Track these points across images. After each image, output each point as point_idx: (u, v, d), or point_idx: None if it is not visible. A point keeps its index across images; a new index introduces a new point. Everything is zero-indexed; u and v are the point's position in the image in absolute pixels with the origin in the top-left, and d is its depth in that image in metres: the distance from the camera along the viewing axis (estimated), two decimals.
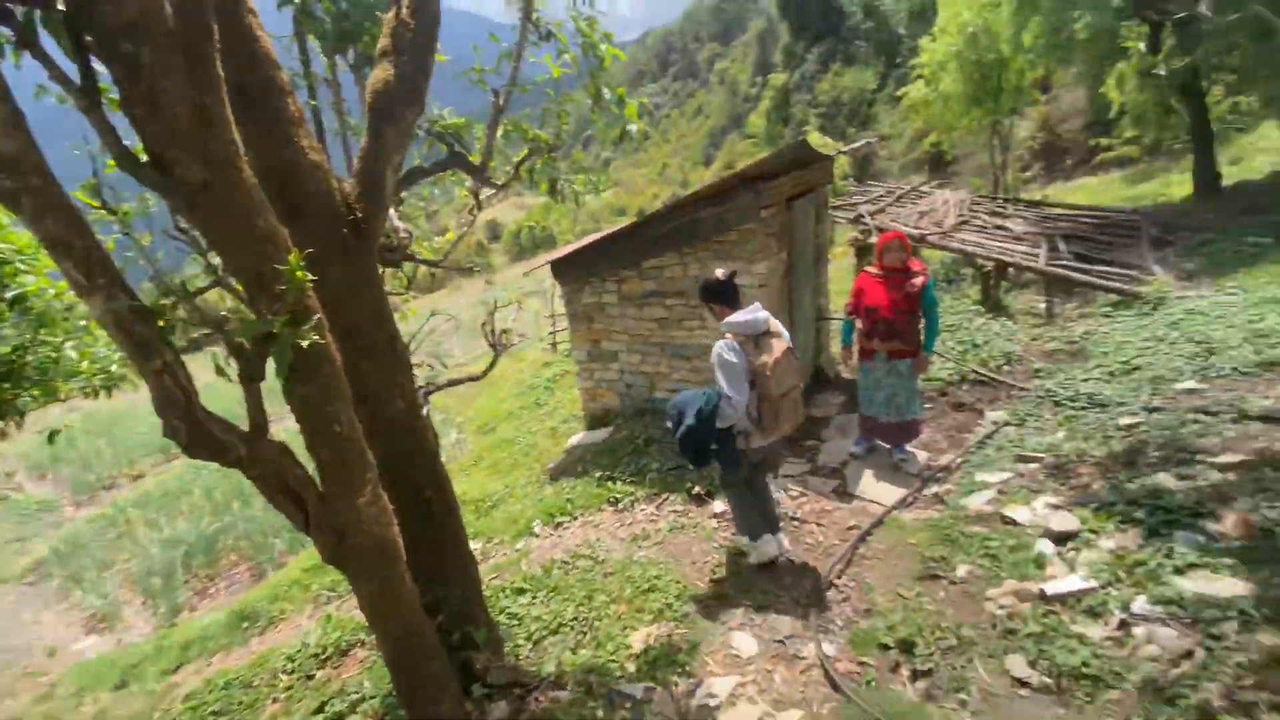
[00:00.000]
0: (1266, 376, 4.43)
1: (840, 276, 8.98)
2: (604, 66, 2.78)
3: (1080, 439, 4.42)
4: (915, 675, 2.64)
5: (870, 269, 4.55)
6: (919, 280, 4.33)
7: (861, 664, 2.79)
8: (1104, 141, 17.44)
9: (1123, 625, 2.49)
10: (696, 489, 4.74)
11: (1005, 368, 6.28)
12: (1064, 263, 7.83)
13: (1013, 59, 12.12)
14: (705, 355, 5.58)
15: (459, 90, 2.86)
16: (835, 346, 7.55)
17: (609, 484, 5.18)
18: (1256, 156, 12.47)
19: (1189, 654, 2.26)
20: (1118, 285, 6.98)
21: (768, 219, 4.88)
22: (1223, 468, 3.45)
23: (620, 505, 4.92)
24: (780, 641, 3.05)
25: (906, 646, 2.76)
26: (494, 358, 3.61)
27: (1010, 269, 8.09)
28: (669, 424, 3.27)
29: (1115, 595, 2.65)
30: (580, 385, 6.71)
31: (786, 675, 2.83)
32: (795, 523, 4.20)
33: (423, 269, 3.70)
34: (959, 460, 4.66)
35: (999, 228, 9.45)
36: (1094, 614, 2.62)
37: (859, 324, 4.60)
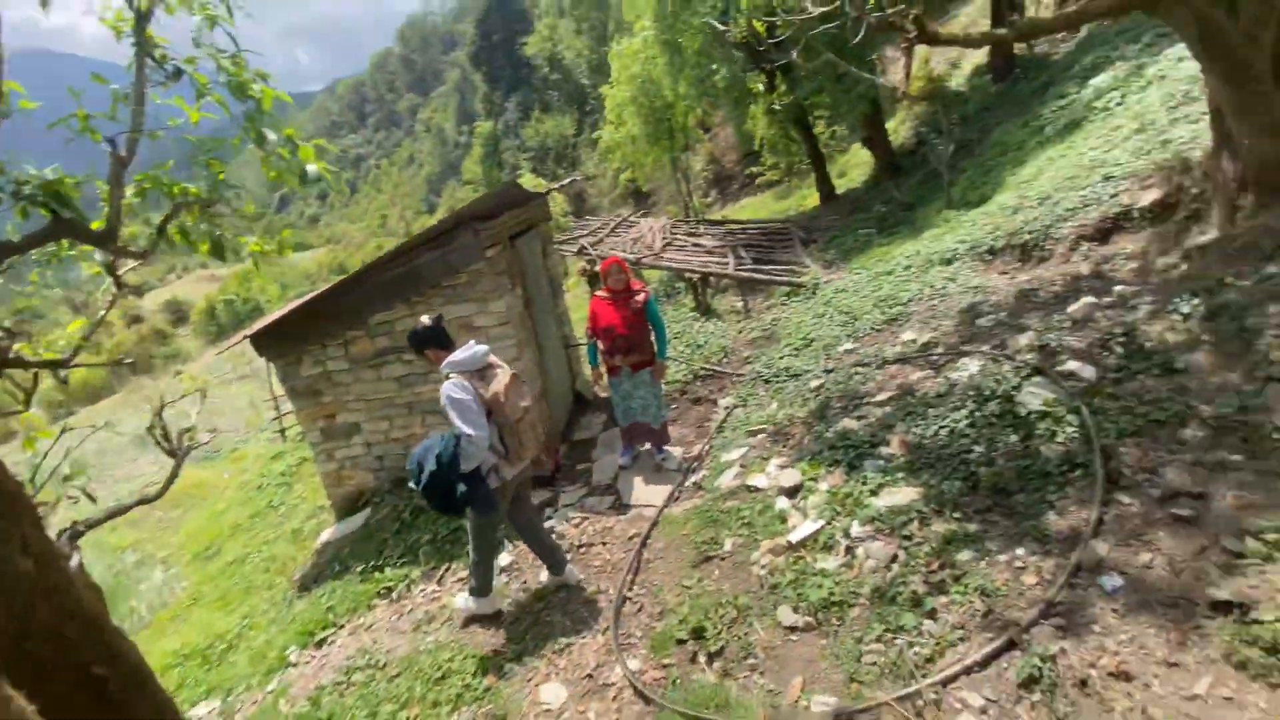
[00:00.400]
0: (891, 329, 5.85)
1: (578, 305, 9.43)
2: (263, 109, 2.45)
3: (788, 406, 5.28)
4: (710, 658, 2.81)
5: (600, 293, 4.83)
6: (641, 297, 4.73)
7: (665, 666, 2.88)
8: (754, 169, 21.60)
9: (848, 550, 3.01)
10: None
11: (724, 360, 7.23)
12: (747, 267, 9.39)
13: (676, 104, 14.28)
14: None
15: (55, 142, 2.24)
16: (587, 370, 7.90)
17: (377, 574, 4.57)
18: (853, 170, 16.68)
19: (894, 558, 2.83)
20: (786, 279, 8.61)
21: (494, 258, 4.86)
22: (880, 404, 4.43)
23: (395, 593, 4.37)
24: (588, 676, 3.00)
25: (698, 633, 2.93)
26: (174, 467, 2.89)
27: (711, 278, 9.42)
28: (411, 483, 3.15)
29: (838, 526, 3.19)
30: (321, 470, 5.83)
31: (600, 708, 2.78)
32: (582, 549, 4.20)
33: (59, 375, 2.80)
34: (706, 448, 5.18)
35: (696, 245, 10.96)
36: (827, 548, 3.12)
37: (600, 345, 4.84)
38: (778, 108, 10.87)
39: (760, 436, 4.90)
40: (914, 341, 5.21)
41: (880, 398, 4.49)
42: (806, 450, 4.25)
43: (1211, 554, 2.22)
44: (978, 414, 3.47)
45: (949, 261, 6.58)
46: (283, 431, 10.73)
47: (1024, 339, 3.96)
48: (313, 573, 5.20)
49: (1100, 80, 7.92)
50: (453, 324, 5.03)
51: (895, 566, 2.80)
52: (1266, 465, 2.48)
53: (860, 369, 5.19)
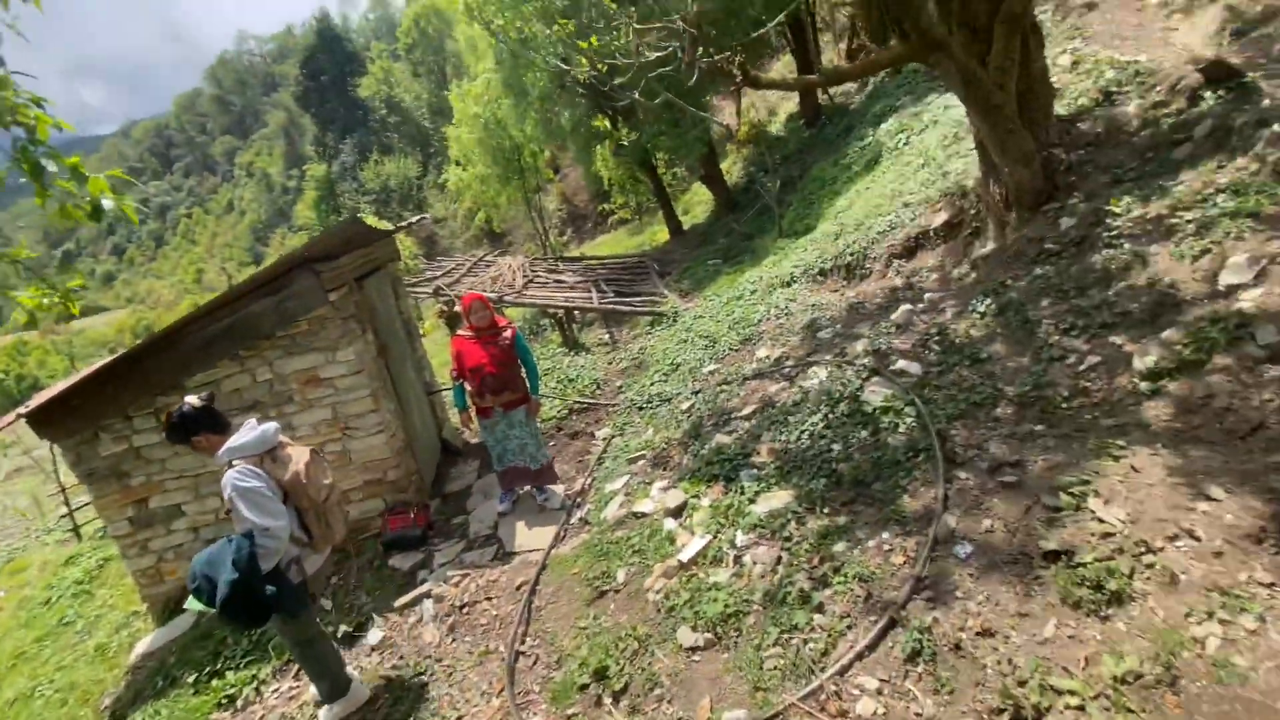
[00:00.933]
0: (747, 348, 6.24)
1: (437, 350, 8.97)
2: (38, 139, 2.06)
3: (664, 429, 5.38)
4: (616, 697, 2.70)
5: (462, 332, 4.62)
6: (508, 334, 4.60)
7: (569, 718, 2.72)
8: (606, 206, 22.36)
9: (736, 560, 3.08)
10: (342, 627, 3.95)
11: (597, 392, 7.24)
12: (610, 300, 9.58)
13: (525, 145, 14.42)
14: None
15: None
16: (454, 416, 7.47)
17: (215, 681, 3.87)
18: (696, 207, 17.87)
19: (779, 559, 2.94)
20: (648, 309, 8.91)
21: (339, 301, 4.46)
22: (746, 417, 4.67)
23: (240, 701, 3.72)
24: None
25: (600, 674, 2.81)
26: None
27: (576, 312, 9.47)
28: (196, 602, 2.61)
29: (724, 539, 3.26)
30: (132, 568, 4.86)
31: None
32: (465, 609, 3.88)
33: None
34: (589, 481, 5.10)
35: (558, 281, 10.99)
36: (717, 561, 3.16)
37: (469, 386, 4.61)
38: (625, 144, 11.36)
39: (641, 463, 4.92)
40: (768, 357, 5.58)
41: (745, 411, 4.73)
42: (686, 470, 4.33)
43: (1036, 512, 2.57)
44: (831, 416, 3.77)
45: (789, 284, 7.21)
46: (76, 529, 8.89)
47: (860, 346, 4.41)
48: (128, 695, 4.28)
49: (889, 125, 9.28)
50: (294, 378, 4.52)
51: (780, 568, 2.91)
52: (1061, 430, 2.95)
53: (725, 387, 5.44)
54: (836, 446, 3.47)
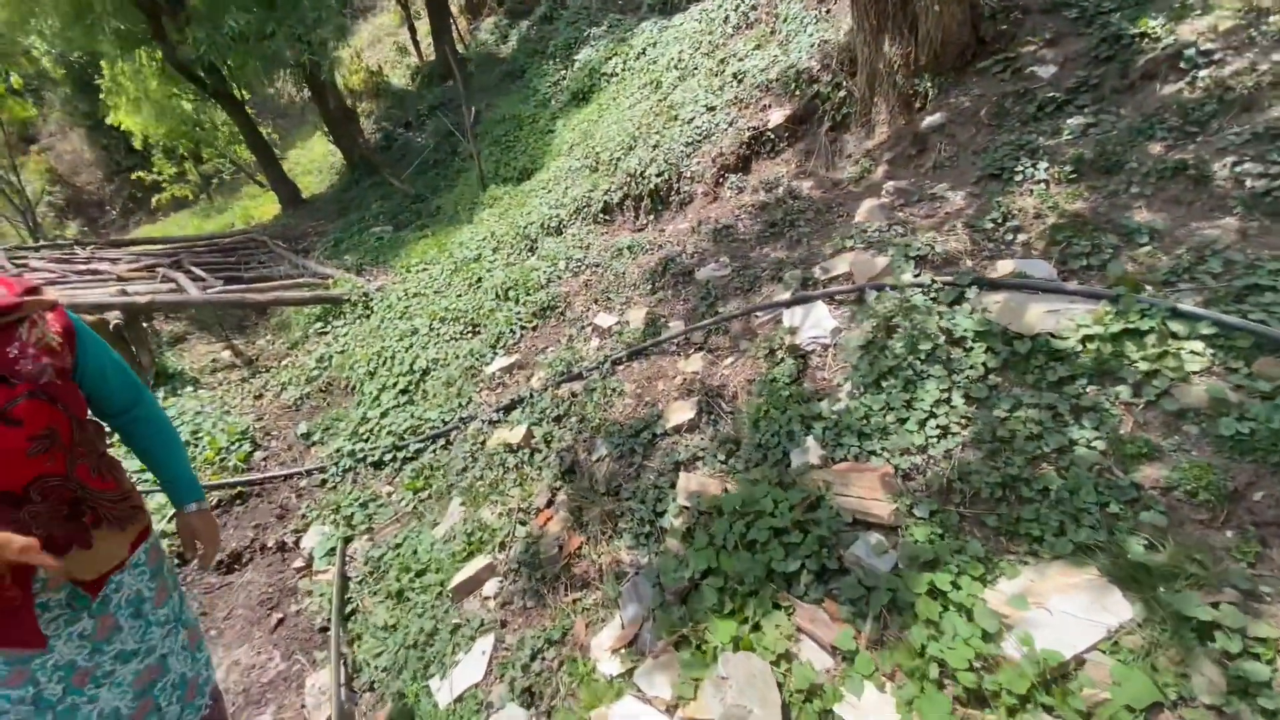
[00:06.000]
0: (558, 322, 3.82)
1: None
2: None
3: (485, 495, 2.66)
4: None
5: None
6: (55, 323, 1.20)
7: None
8: (144, 175, 15.01)
9: None
10: None
11: (259, 456, 3.71)
12: (222, 290, 5.53)
13: None
14: None
15: None
16: None
17: None
18: (302, 177, 13.23)
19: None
20: (313, 295, 5.36)
21: None
22: (684, 428, 2.43)
23: None
24: None
25: None
26: None
27: (154, 317, 5.14)
28: None
29: None
30: None
31: None
32: None
33: None
34: (346, 684, 2.06)
35: (93, 274, 6.04)
36: None
37: None
38: (195, 59, 6.86)
39: (491, 586, 2.16)
40: (624, 325, 3.34)
41: (678, 420, 2.46)
42: (660, 581, 1.85)
43: None
44: (960, 379, 1.89)
45: (558, 231, 4.98)
46: None
47: (849, 262, 2.61)
48: None
49: (589, 54, 7.75)
50: None
51: None
52: None
53: (574, 388, 3.01)
54: (1082, 436, 1.59)
